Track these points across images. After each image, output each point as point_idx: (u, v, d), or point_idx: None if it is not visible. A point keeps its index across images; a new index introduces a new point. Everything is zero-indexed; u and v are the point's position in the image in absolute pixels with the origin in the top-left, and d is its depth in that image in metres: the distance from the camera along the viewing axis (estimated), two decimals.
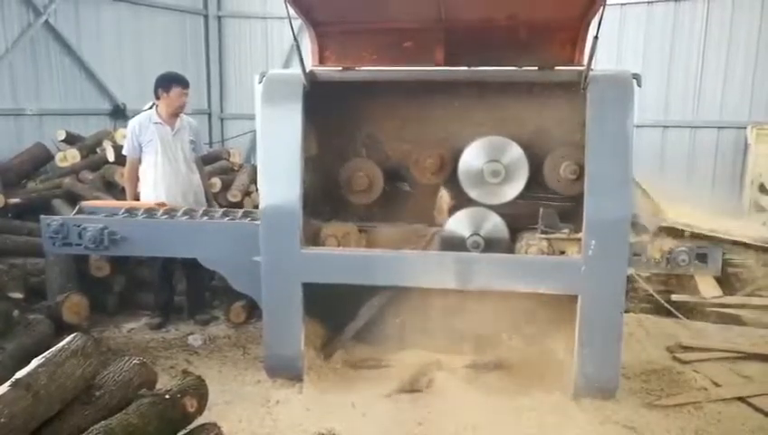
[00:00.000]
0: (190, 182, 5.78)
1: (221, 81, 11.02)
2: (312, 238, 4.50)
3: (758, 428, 3.94)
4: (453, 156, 4.69)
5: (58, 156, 7.03)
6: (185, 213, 4.72)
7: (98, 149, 7.15)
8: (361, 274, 4.29)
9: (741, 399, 4.26)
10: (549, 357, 4.64)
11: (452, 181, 4.69)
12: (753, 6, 8.38)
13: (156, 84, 5.62)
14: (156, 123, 5.58)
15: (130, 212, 4.72)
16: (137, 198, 5.59)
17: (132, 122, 5.69)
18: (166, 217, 4.66)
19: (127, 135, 5.73)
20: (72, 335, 2.98)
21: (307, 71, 4.31)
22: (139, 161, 5.64)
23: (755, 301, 6.32)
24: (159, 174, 5.56)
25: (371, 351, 4.85)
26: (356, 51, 4.61)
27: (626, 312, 4.41)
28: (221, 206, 6.26)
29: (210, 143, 10.33)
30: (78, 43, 8.57)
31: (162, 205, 4.92)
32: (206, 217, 4.68)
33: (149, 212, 4.72)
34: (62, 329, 4.79)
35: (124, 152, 5.75)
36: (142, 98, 6.76)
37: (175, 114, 5.66)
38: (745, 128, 8.29)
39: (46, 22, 8.07)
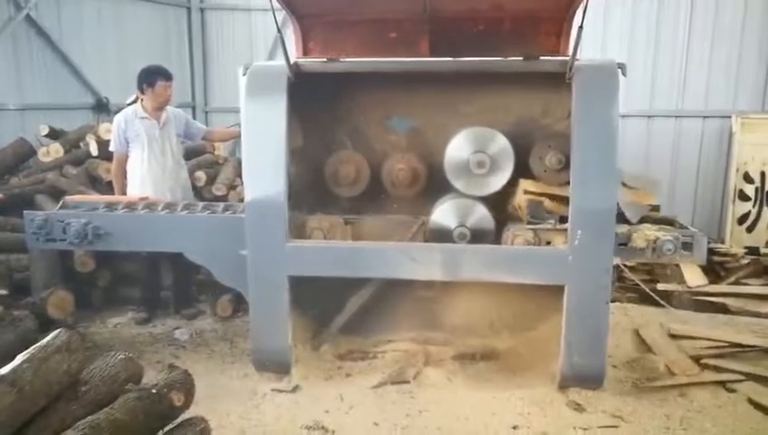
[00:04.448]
0: (177, 177, 5.74)
1: (205, 74, 10.93)
2: (298, 231, 4.48)
3: (743, 414, 3.98)
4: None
5: (41, 151, 6.95)
6: (169, 207, 4.68)
7: (81, 144, 7.07)
8: (348, 266, 4.28)
9: (726, 386, 4.30)
10: (535, 347, 4.67)
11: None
12: None
13: (139, 79, 5.55)
14: (141, 118, 5.52)
15: (114, 207, 4.68)
16: (125, 193, 5.55)
17: (118, 118, 5.62)
18: (150, 211, 4.63)
19: (113, 131, 5.66)
20: (57, 331, 2.95)
21: (291, 62, 4.29)
22: (127, 157, 5.59)
23: (739, 289, 6.39)
24: (146, 169, 5.51)
25: (359, 343, 4.86)
26: (340, 42, 4.59)
27: (612, 301, 4.42)
28: (206, 200, 6.24)
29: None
30: (60, 37, 8.47)
31: (145, 199, 4.88)
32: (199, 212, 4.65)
33: (134, 207, 4.69)
34: (47, 325, 4.74)
35: (111, 148, 5.68)
36: (125, 92, 6.68)
37: (160, 108, 5.60)
38: (730, 117, 8.34)
39: (27, 16, 7.95)
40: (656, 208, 4.73)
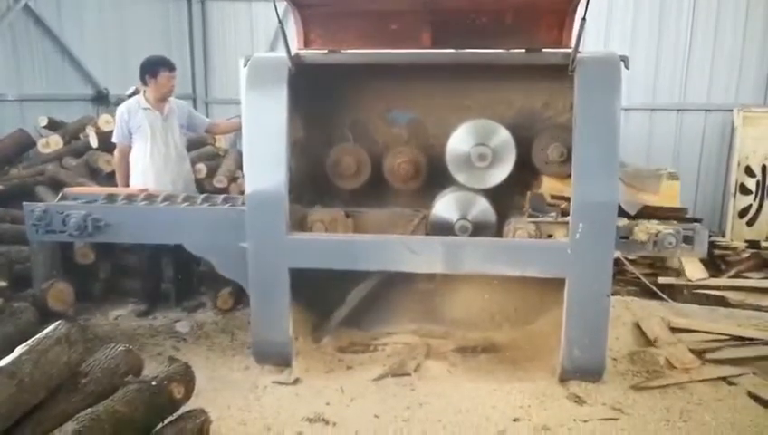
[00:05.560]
0: (180, 169, 5.71)
1: (205, 65, 10.89)
2: (299, 224, 4.48)
3: (743, 407, 3.99)
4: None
5: (40, 142, 6.93)
6: (170, 199, 4.67)
7: (81, 135, 7.06)
8: (348, 259, 4.27)
9: (726, 380, 4.31)
10: (536, 340, 4.67)
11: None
12: None
13: (142, 69, 5.52)
14: (145, 109, 5.49)
15: (115, 198, 4.66)
16: (128, 184, 5.53)
17: (121, 108, 5.59)
18: (151, 203, 4.62)
19: (116, 122, 5.64)
20: (57, 323, 2.96)
21: (292, 54, 4.27)
22: (129, 148, 5.57)
23: (740, 283, 6.38)
24: (149, 161, 5.49)
25: (360, 335, 4.86)
26: (342, 34, 4.56)
27: (613, 295, 4.42)
28: (206, 192, 6.22)
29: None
30: (59, 27, 8.42)
31: (144, 191, 4.87)
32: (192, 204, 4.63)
33: (134, 198, 4.67)
34: (47, 317, 4.74)
35: (113, 139, 5.65)
36: (125, 83, 6.66)
37: (163, 99, 5.57)
38: (732, 111, 8.32)
39: (26, 5, 7.91)
40: (682, 210, 4.66)
